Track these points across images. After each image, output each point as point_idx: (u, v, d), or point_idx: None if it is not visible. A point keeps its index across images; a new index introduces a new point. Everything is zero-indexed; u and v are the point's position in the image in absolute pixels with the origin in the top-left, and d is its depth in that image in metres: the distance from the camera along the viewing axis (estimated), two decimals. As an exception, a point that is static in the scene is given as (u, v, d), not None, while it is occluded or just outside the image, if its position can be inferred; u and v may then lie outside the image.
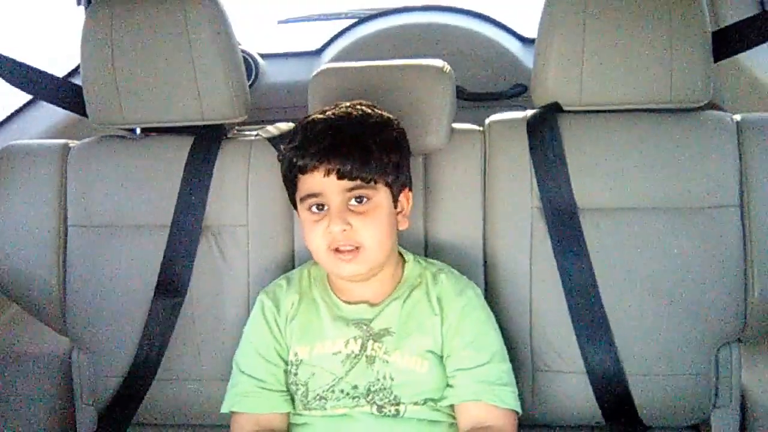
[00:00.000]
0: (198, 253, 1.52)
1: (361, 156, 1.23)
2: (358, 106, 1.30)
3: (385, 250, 1.29)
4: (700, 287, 1.42)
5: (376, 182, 1.26)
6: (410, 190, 1.37)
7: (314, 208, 1.26)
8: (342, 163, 1.22)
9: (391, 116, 1.33)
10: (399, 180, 1.30)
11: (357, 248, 1.25)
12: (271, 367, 1.33)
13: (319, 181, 1.24)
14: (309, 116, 1.31)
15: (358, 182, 1.24)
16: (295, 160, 1.25)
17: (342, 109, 1.29)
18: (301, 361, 1.31)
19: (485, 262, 1.50)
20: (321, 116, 1.28)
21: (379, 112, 1.32)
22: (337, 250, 1.25)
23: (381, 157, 1.25)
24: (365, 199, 1.25)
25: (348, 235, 1.24)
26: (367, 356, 1.29)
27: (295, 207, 1.34)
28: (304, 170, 1.25)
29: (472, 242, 1.50)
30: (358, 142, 1.24)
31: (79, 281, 1.55)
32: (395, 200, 1.31)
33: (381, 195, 1.27)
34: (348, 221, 1.23)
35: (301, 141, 1.26)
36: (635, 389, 1.43)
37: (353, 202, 1.25)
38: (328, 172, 1.22)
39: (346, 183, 1.23)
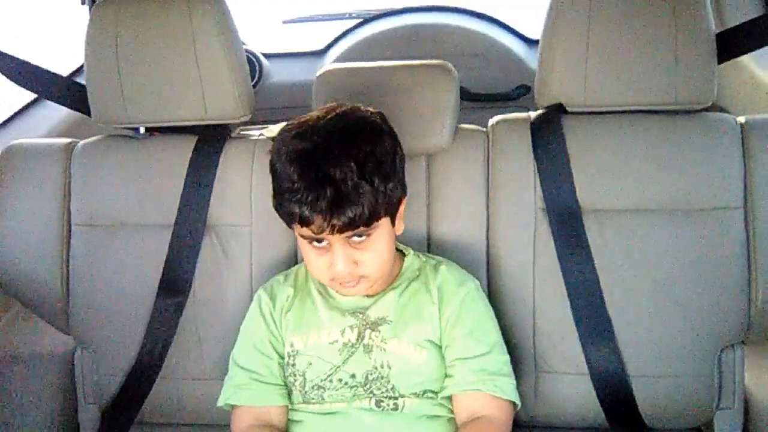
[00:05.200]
0: (201, 252, 1.52)
1: (365, 204, 1.18)
2: (349, 121, 1.23)
3: (386, 268, 1.30)
4: (703, 289, 1.42)
5: (378, 219, 1.22)
6: (405, 195, 1.33)
7: (315, 242, 1.23)
8: (345, 216, 1.17)
9: (378, 119, 1.27)
10: (396, 198, 1.26)
11: (360, 276, 1.25)
12: (266, 359, 1.34)
13: (319, 230, 1.19)
14: (298, 135, 1.21)
15: (361, 228, 1.20)
16: (297, 212, 1.18)
17: (333, 138, 1.19)
18: (297, 351, 1.32)
19: (488, 262, 1.50)
20: (311, 148, 1.18)
21: (370, 121, 1.25)
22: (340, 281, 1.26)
23: (381, 193, 1.20)
24: (365, 236, 1.23)
25: (351, 271, 1.23)
26: (364, 345, 1.29)
27: (289, 226, 1.28)
28: (305, 223, 1.18)
29: (476, 243, 1.50)
30: (359, 190, 1.17)
31: (82, 280, 1.55)
32: (394, 219, 1.29)
33: (382, 225, 1.24)
34: (353, 259, 1.23)
35: (301, 192, 1.17)
36: (638, 391, 1.42)
37: (354, 238, 1.22)
38: (332, 228, 1.18)
39: (348, 232, 1.20)
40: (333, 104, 1.27)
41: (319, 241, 1.23)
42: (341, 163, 1.17)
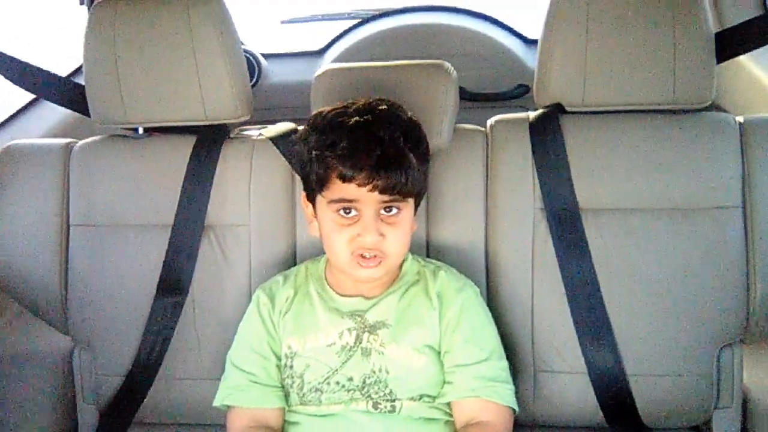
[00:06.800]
0: (200, 252, 1.52)
1: (406, 172, 1.22)
2: (392, 109, 1.28)
3: (402, 257, 1.32)
4: (702, 288, 1.42)
5: (411, 195, 1.26)
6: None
7: (342, 212, 1.25)
8: (389, 179, 1.21)
9: (415, 118, 1.32)
10: (424, 189, 1.32)
11: (383, 257, 1.26)
12: (263, 361, 1.34)
13: (357, 191, 1.22)
14: (341, 113, 1.26)
15: (397, 196, 1.24)
16: (341, 168, 1.21)
17: (378, 113, 1.25)
18: (295, 353, 1.32)
19: (487, 262, 1.50)
20: (361, 119, 1.23)
21: (407, 115, 1.30)
22: (362, 256, 1.25)
23: (420, 170, 1.26)
24: (395, 210, 1.26)
25: (377, 244, 1.24)
26: (362, 348, 1.29)
27: (310, 199, 1.32)
28: (347, 179, 1.22)
29: (474, 243, 1.50)
30: (404, 157, 1.23)
31: (80, 280, 1.55)
32: (416, 208, 1.32)
33: (409, 205, 1.28)
34: (382, 233, 1.24)
35: (347, 149, 1.21)
36: (636, 390, 1.43)
37: (383, 211, 1.25)
38: (374, 187, 1.21)
39: (386, 196, 1.22)
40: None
41: (347, 211, 1.24)
42: (389, 129, 1.23)
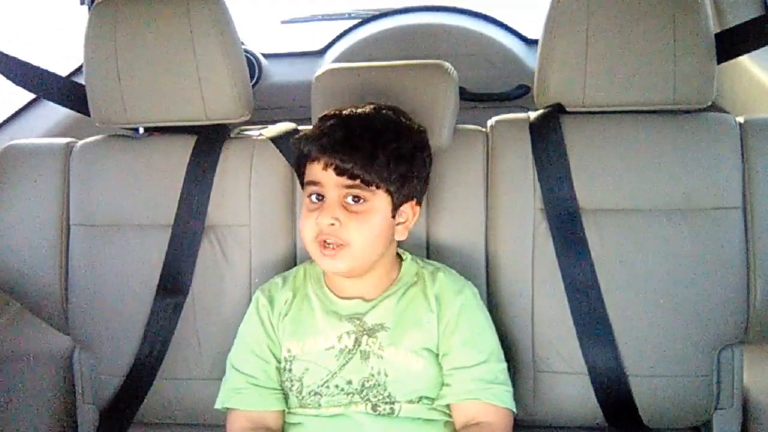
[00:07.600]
0: (200, 252, 1.52)
1: (364, 158, 1.23)
2: (387, 111, 1.31)
3: (370, 255, 1.29)
4: (702, 289, 1.42)
5: (377, 187, 1.25)
6: (419, 203, 1.36)
7: (314, 197, 1.28)
8: (342, 160, 1.23)
9: (416, 127, 1.33)
10: (403, 191, 1.29)
11: (341, 245, 1.25)
12: (263, 363, 1.34)
13: (319, 172, 1.25)
14: (336, 108, 1.32)
15: (357, 182, 1.24)
16: (302, 146, 1.28)
17: (367, 110, 1.30)
18: (294, 356, 1.32)
19: (487, 262, 1.50)
20: (343, 112, 1.29)
21: (405, 121, 1.32)
22: (323, 243, 1.26)
23: (387, 164, 1.24)
24: (361, 200, 1.26)
25: (334, 230, 1.25)
26: (361, 351, 1.29)
27: (300, 177, 1.35)
28: (307, 158, 1.28)
29: (475, 243, 1.50)
30: (366, 144, 1.24)
31: (81, 280, 1.55)
32: (395, 209, 1.30)
33: (379, 200, 1.27)
34: (336, 216, 1.24)
35: (313, 130, 1.29)
36: (637, 391, 1.43)
37: (349, 200, 1.25)
38: (326, 166, 1.24)
39: (345, 180, 1.24)
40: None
41: (319, 197, 1.26)
42: (364, 125, 1.26)
